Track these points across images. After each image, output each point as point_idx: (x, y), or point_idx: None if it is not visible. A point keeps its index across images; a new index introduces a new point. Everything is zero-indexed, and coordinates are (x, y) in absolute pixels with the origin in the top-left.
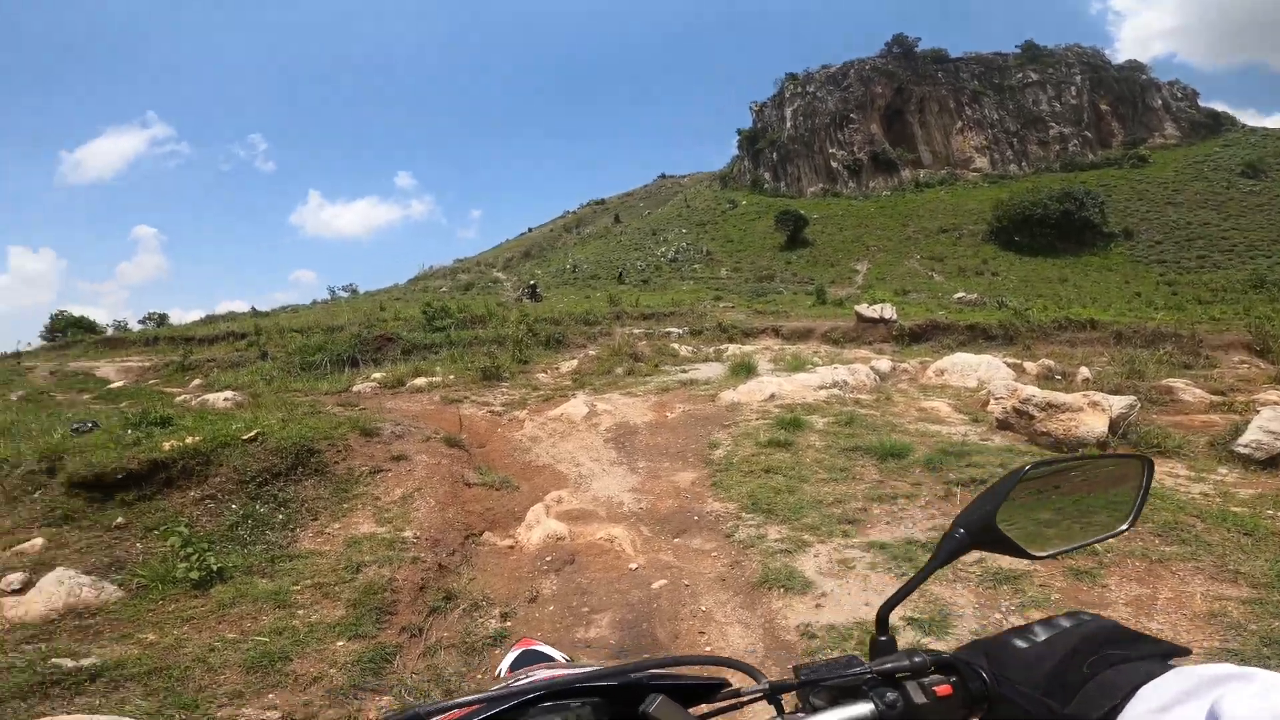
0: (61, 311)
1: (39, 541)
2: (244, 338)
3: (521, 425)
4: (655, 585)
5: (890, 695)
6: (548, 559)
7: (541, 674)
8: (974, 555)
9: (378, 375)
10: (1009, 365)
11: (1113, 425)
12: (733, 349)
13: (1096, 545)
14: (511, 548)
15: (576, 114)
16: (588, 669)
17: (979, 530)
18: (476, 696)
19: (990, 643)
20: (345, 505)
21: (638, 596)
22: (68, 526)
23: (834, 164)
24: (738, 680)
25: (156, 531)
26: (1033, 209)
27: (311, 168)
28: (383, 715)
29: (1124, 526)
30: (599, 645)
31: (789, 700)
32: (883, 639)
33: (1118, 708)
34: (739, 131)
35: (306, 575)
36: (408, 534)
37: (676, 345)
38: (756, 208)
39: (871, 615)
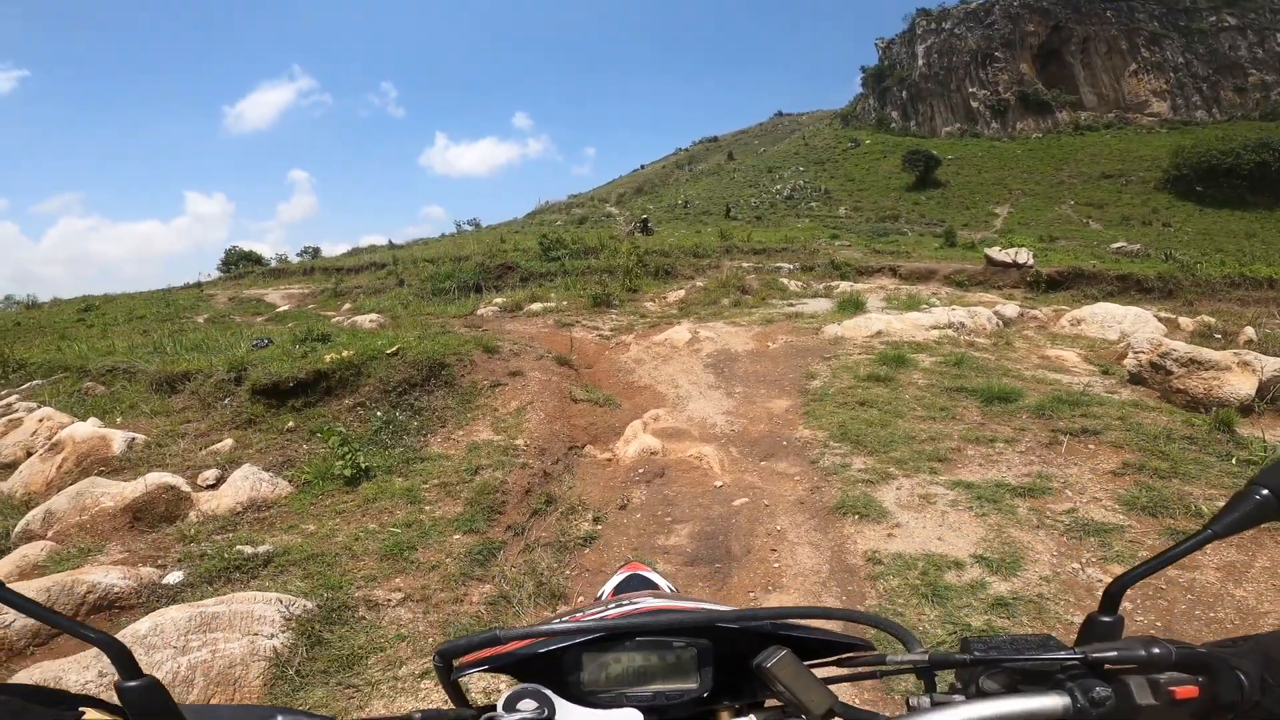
0: (234, 246)
1: (229, 442)
2: (383, 267)
3: (627, 348)
4: (736, 502)
5: (1099, 690)
6: (640, 471)
7: (647, 602)
8: (1066, 503)
9: (499, 300)
10: (1161, 320)
11: (1261, 389)
12: (844, 286)
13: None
14: (609, 460)
15: (691, 51)
16: (702, 605)
17: None
18: (562, 625)
19: (1276, 639)
20: (468, 414)
21: (718, 512)
22: (250, 429)
23: (974, 104)
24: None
25: (319, 434)
26: (1222, 158)
27: (437, 112)
28: (466, 634)
29: None
30: (676, 552)
31: (943, 676)
32: (1105, 619)
33: None
34: (863, 69)
35: (434, 475)
36: (519, 442)
37: (786, 280)
38: (882, 147)
39: (943, 550)
